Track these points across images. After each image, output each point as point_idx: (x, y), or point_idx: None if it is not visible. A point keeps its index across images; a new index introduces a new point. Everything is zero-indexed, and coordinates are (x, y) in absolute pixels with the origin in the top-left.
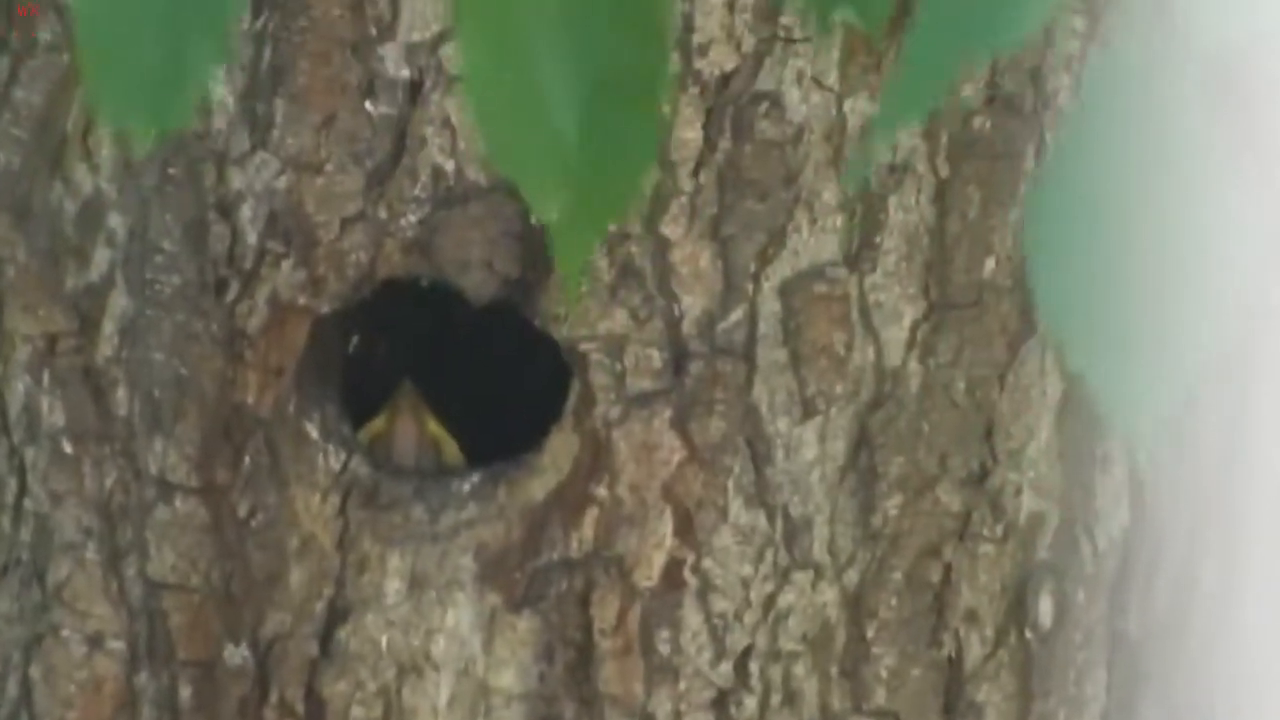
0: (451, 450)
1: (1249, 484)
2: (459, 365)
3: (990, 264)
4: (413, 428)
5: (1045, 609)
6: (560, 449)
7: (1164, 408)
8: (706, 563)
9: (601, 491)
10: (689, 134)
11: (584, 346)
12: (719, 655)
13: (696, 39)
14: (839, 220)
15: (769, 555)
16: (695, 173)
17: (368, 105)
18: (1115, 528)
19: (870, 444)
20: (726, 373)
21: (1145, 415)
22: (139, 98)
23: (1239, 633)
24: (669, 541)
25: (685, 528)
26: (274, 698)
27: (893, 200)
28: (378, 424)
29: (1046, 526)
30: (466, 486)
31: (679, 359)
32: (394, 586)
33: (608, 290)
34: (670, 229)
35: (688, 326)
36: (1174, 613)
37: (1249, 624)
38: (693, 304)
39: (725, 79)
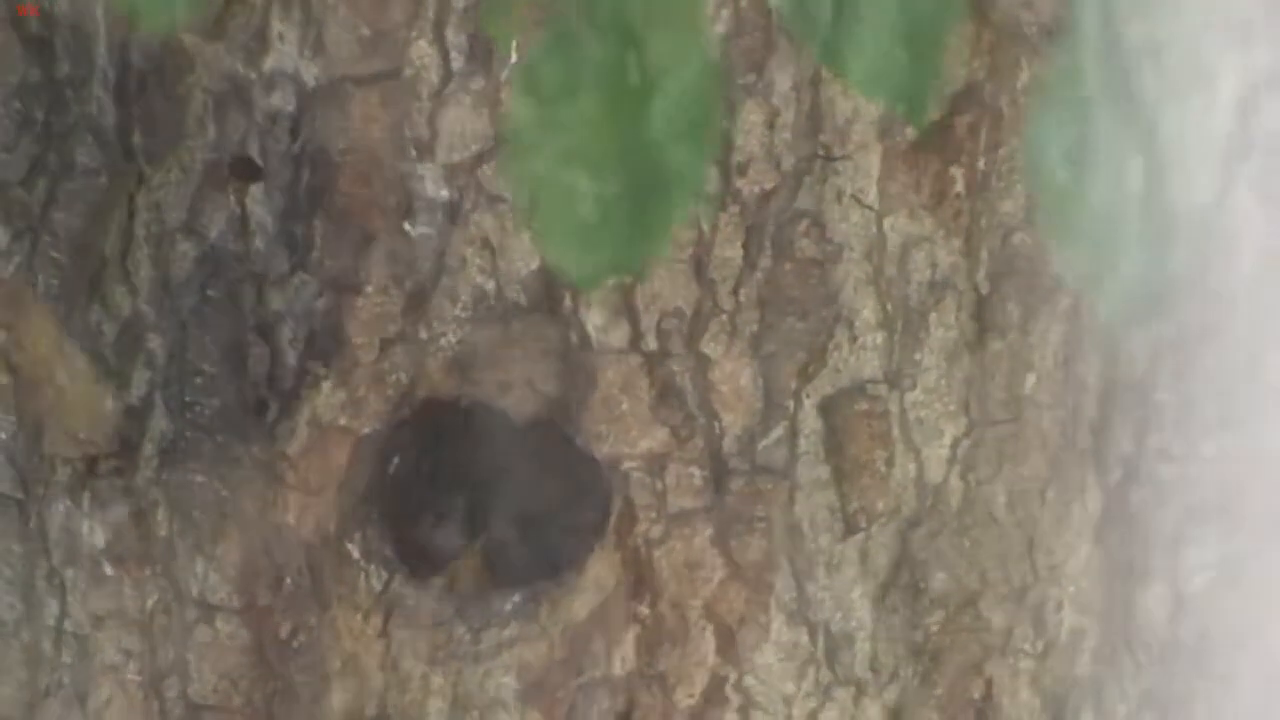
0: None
1: None
2: (504, 485)
3: (1030, 380)
4: None
5: None
6: (602, 567)
7: (1147, 300)
8: (749, 680)
9: (643, 609)
10: (729, 252)
11: (625, 465)
12: None
13: (736, 157)
14: (879, 338)
15: (811, 672)
16: (735, 291)
17: (406, 226)
18: (1156, 642)
19: (912, 560)
20: (768, 490)
21: (1126, 306)
22: None
23: None
24: (711, 659)
25: (727, 645)
26: None
27: (933, 317)
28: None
29: (1087, 641)
30: (509, 606)
31: (720, 477)
32: (436, 706)
33: (649, 409)
34: (711, 347)
35: (729, 444)
36: None
37: None
38: (734, 422)
39: (765, 197)
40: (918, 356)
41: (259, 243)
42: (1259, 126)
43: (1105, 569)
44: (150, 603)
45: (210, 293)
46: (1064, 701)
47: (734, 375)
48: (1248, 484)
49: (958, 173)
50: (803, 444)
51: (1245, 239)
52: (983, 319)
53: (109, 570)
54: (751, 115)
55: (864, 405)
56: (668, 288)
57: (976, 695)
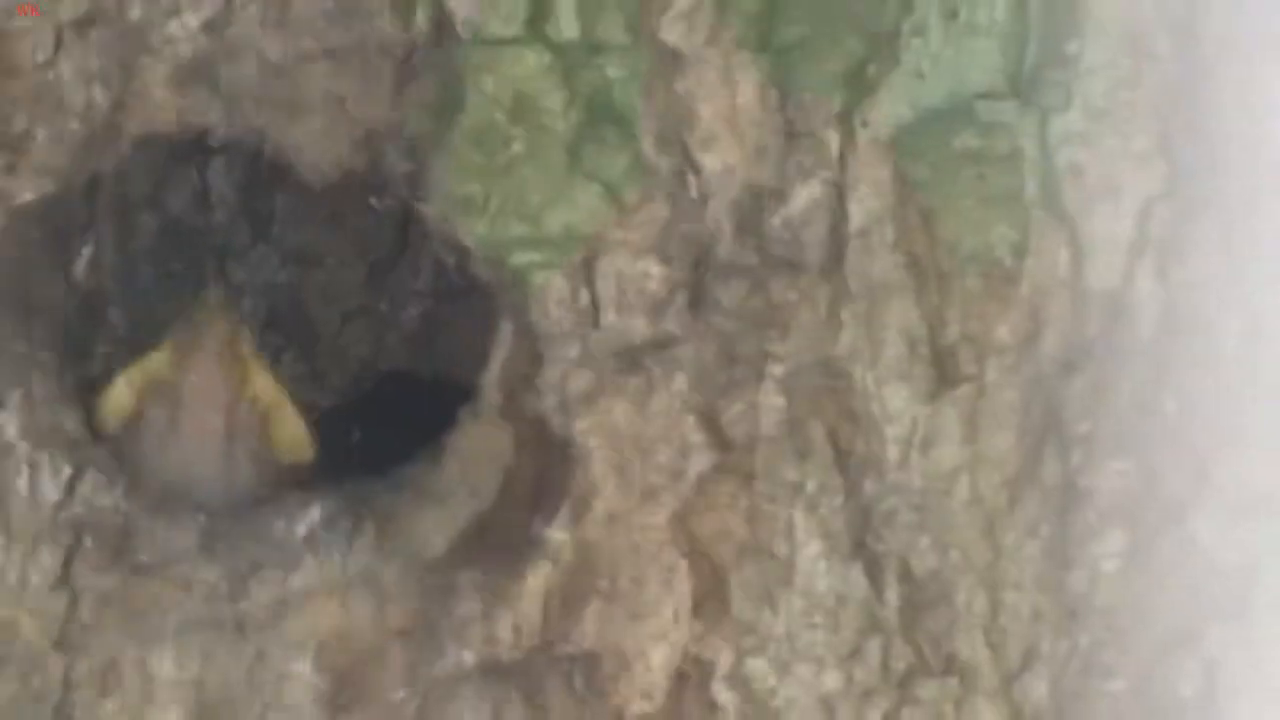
0: (288, 428)
1: None
2: (302, 303)
3: None
4: (217, 376)
5: None
6: (477, 452)
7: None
8: (755, 665)
9: (555, 534)
10: None
11: (520, 257)
12: None
13: None
14: (999, 10)
15: (874, 647)
16: None
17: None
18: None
19: (1063, 436)
20: (790, 302)
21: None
22: None
23: None
24: (684, 626)
25: (714, 598)
26: None
27: None
28: (155, 364)
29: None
30: (301, 529)
31: (701, 278)
32: (167, 717)
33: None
34: (678, 31)
35: (715, 214)
36: None
37: None
38: (725, 173)
39: None
40: (1071, 48)
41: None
42: (1154, 228)
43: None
44: None
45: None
46: None
47: (725, 82)
48: (1144, 494)
49: None
50: (856, 215)
51: (1145, 311)
52: None
53: None
54: None
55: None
56: None
57: (1191, 690)
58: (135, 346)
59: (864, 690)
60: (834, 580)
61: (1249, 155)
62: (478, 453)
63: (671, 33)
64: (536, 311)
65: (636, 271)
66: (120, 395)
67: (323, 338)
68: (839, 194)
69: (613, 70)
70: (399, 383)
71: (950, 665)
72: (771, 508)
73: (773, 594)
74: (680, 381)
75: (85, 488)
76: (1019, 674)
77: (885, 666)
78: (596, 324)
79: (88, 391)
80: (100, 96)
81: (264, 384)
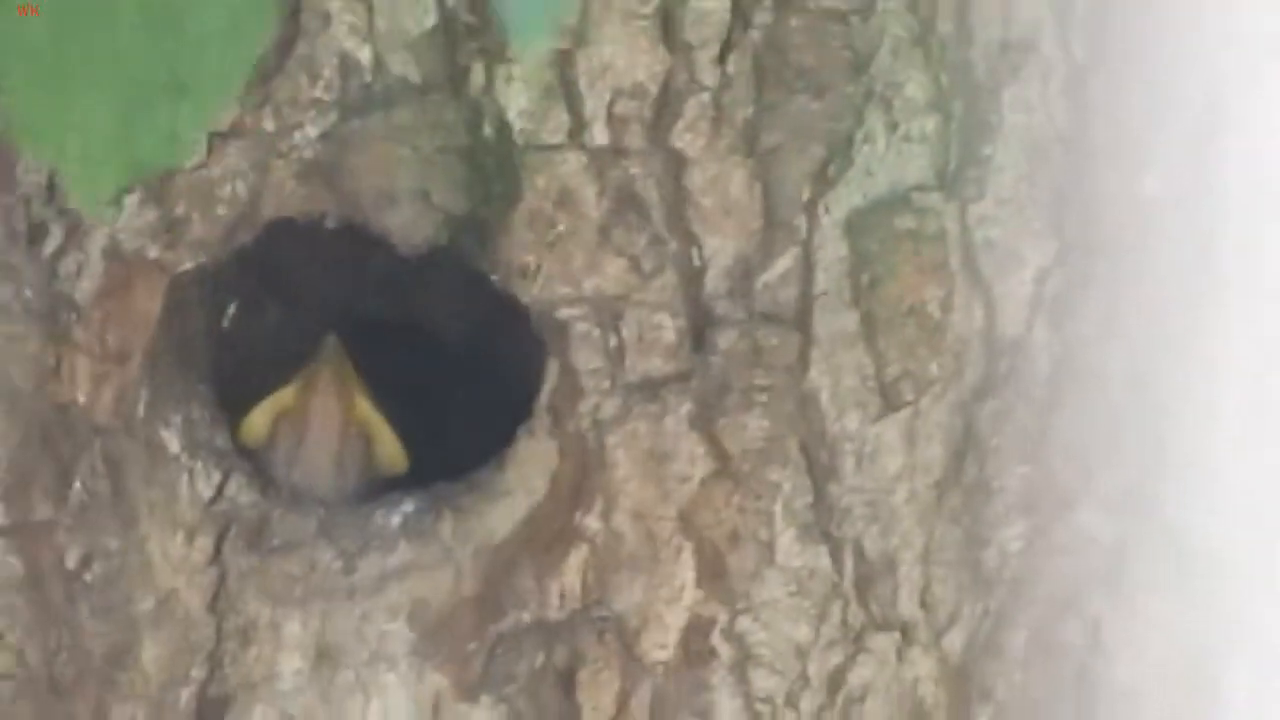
0: (389, 448)
1: None
2: (394, 347)
3: (1151, 187)
4: (335, 408)
5: (1242, 681)
6: (531, 462)
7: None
8: (745, 623)
9: (592, 523)
10: (710, 3)
11: (563, 312)
12: None
13: None
14: (930, 124)
15: (835, 611)
16: (721, 59)
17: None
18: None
19: (980, 448)
20: (771, 347)
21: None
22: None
23: None
24: (690, 594)
25: (714, 573)
26: None
27: (1007, 95)
28: (286, 397)
29: (1240, 562)
30: (396, 519)
31: (701, 329)
32: (293, 665)
33: (597, 230)
34: (686, 140)
35: (713, 281)
36: None
37: None
38: (720, 248)
39: None
40: (987, 152)
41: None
42: (1047, 290)
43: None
44: None
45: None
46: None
47: (720, 180)
48: (1040, 492)
49: None
50: (821, 280)
51: (1041, 353)
52: (1080, 97)
53: None
54: None
55: (909, 222)
56: (623, 54)
57: (1079, 642)
58: (269, 382)
59: (828, 642)
60: (805, 558)
61: (1122, 234)
62: (532, 461)
63: (680, 141)
64: (576, 354)
65: (653, 323)
66: (258, 421)
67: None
68: (808, 264)
69: (634, 169)
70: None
71: (893, 623)
72: (757, 504)
73: (758, 569)
74: (687, 407)
75: (231, 489)
76: (946, 629)
77: (844, 624)
78: (622, 364)
79: (233, 415)
80: (241, 190)
81: (368, 412)
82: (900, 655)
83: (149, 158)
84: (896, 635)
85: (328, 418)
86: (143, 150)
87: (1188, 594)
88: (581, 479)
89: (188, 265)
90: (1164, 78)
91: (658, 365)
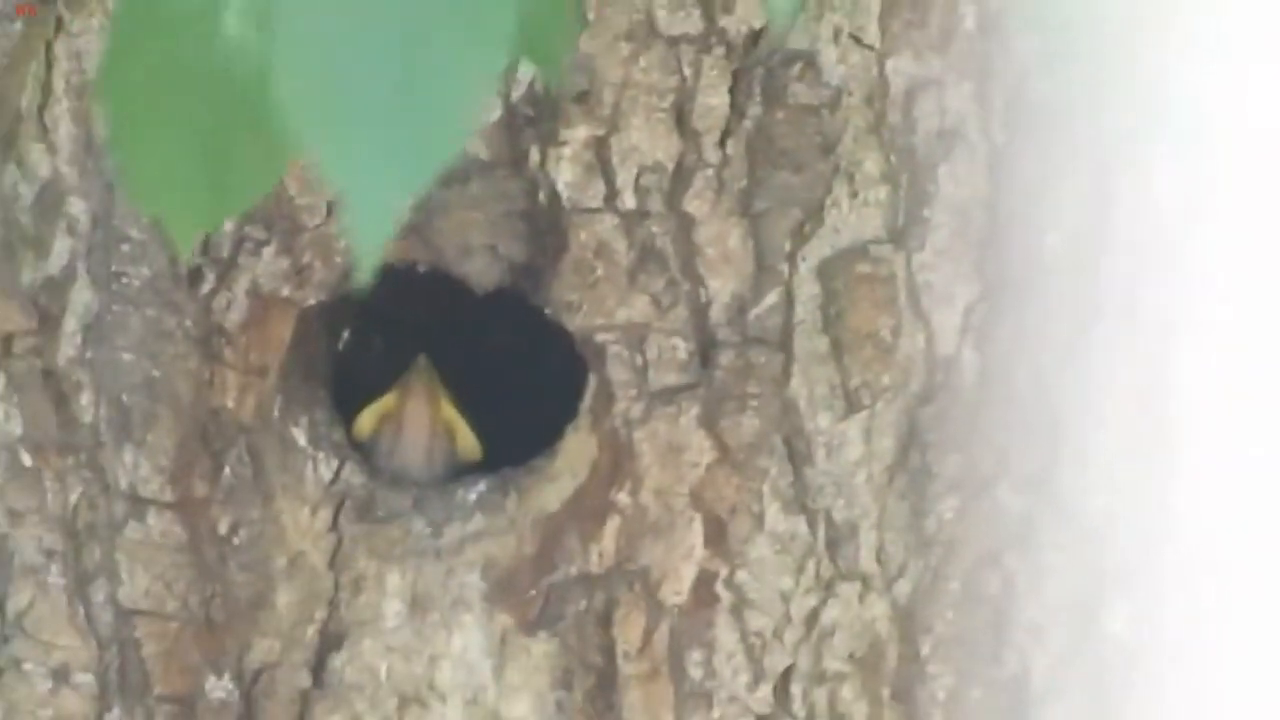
0: (467, 441)
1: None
2: (470, 363)
3: (1050, 240)
4: (425, 410)
5: (1120, 620)
6: (576, 452)
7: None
8: (741, 575)
9: (623, 498)
10: (714, 100)
11: (601, 337)
12: (757, 678)
13: None
14: (883, 193)
15: (810, 566)
16: (722, 142)
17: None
18: (1194, 526)
19: (921, 441)
20: (760, 364)
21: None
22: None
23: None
24: (699, 552)
25: (717, 537)
26: None
27: (942, 170)
28: (387, 402)
29: (1119, 528)
30: (473, 496)
31: (707, 349)
32: (394, 608)
33: (626, 275)
34: (695, 205)
35: (716, 313)
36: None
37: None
38: (721, 288)
39: (754, 37)
40: (925, 213)
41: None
42: (974, 320)
43: (1138, 447)
44: (74, 497)
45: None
46: (1094, 595)
47: (721, 236)
48: (967, 474)
49: (968, 8)
50: (799, 311)
51: (969, 367)
52: (998, 171)
53: (28, 461)
54: None
55: (867, 268)
56: (646, 139)
57: (995, 590)
58: (375, 391)
59: (805, 589)
60: (787, 526)
61: (1029, 276)
62: (577, 451)
63: (690, 206)
64: (611, 369)
65: (669, 346)
66: (366, 421)
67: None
68: (789, 300)
69: (655, 228)
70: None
71: (855, 575)
72: (750, 484)
73: (751, 534)
74: (695, 409)
75: (346, 473)
76: (895, 579)
77: (818, 576)
78: (646, 377)
79: (347, 417)
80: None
81: (451, 414)
82: (861, 600)
83: (227, 204)
84: (858, 584)
85: (419, 418)
86: (220, 200)
87: (1078, 552)
88: (615, 465)
89: (312, 302)
90: (1061, 155)
91: (673, 378)
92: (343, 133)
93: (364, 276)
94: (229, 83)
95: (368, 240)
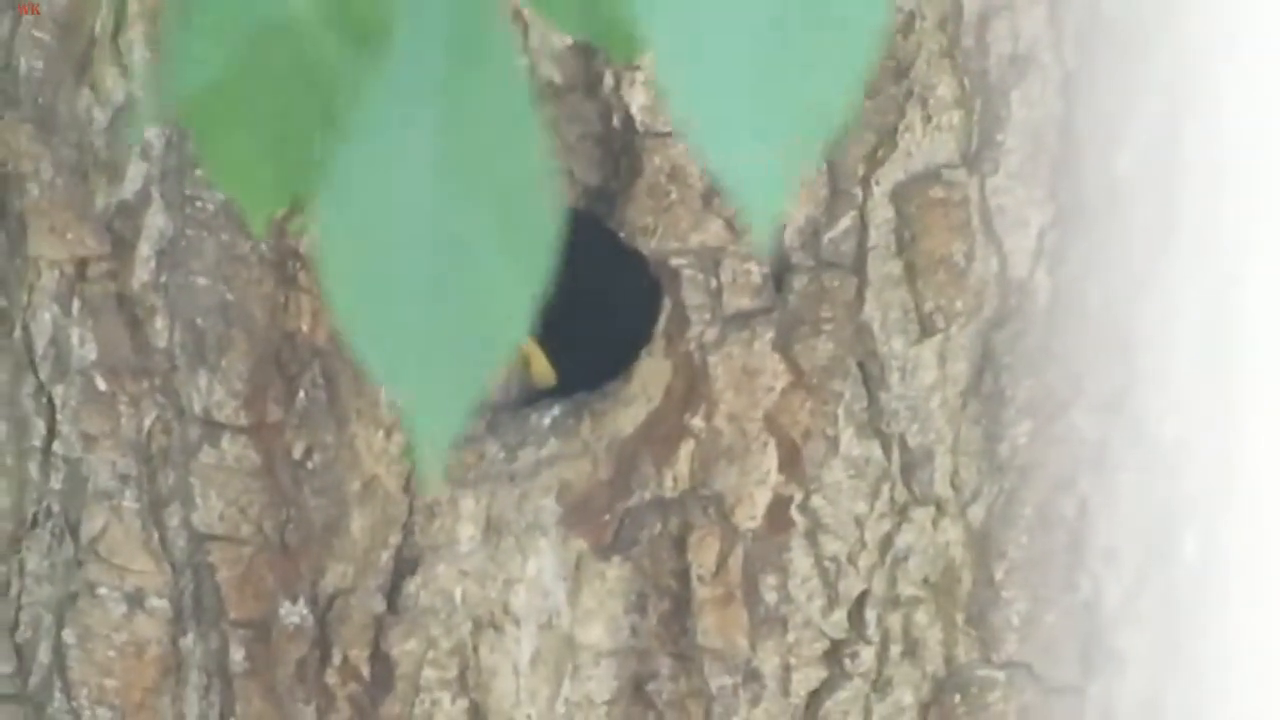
0: (541, 366)
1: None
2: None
3: (1123, 163)
4: None
5: (1193, 545)
6: (651, 376)
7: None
8: (816, 500)
9: (698, 422)
10: None
11: (675, 261)
12: (831, 603)
13: None
14: (956, 117)
15: (885, 490)
16: None
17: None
18: (1268, 450)
19: (995, 364)
20: (834, 288)
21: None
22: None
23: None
24: (773, 477)
25: (791, 461)
26: (336, 659)
27: (1015, 94)
28: None
29: (1193, 452)
30: (547, 420)
31: (780, 273)
32: (468, 533)
33: (700, 198)
34: None
35: (790, 236)
36: None
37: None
38: (795, 212)
39: None
40: (999, 137)
41: None
42: (1046, 243)
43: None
44: (148, 421)
45: None
46: (1168, 520)
47: None
48: (1043, 398)
49: None
50: (873, 236)
51: (1041, 290)
52: (1070, 94)
53: (102, 385)
54: None
55: (940, 192)
56: None
57: (1069, 514)
58: None
59: (879, 514)
60: (861, 450)
61: (1102, 200)
62: (651, 376)
63: None
64: (685, 293)
65: (743, 269)
66: None
67: None
68: (863, 224)
69: None
70: None
71: (930, 499)
72: (824, 408)
73: (825, 458)
74: (769, 333)
75: None
76: (970, 503)
77: (892, 500)
78: (720, 301)
79: None
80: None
81: (528, 344)
82: (935, 524)
83: (300, 186)
84: (932, 509)
85: None
86: (293, 182)
87: (1153, 477)
88: (689, 389)
89: None
90: (1134, 77)
91: (747, 302)
92: (393, 343)
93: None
94: (300, 64)
95: (436, 447)
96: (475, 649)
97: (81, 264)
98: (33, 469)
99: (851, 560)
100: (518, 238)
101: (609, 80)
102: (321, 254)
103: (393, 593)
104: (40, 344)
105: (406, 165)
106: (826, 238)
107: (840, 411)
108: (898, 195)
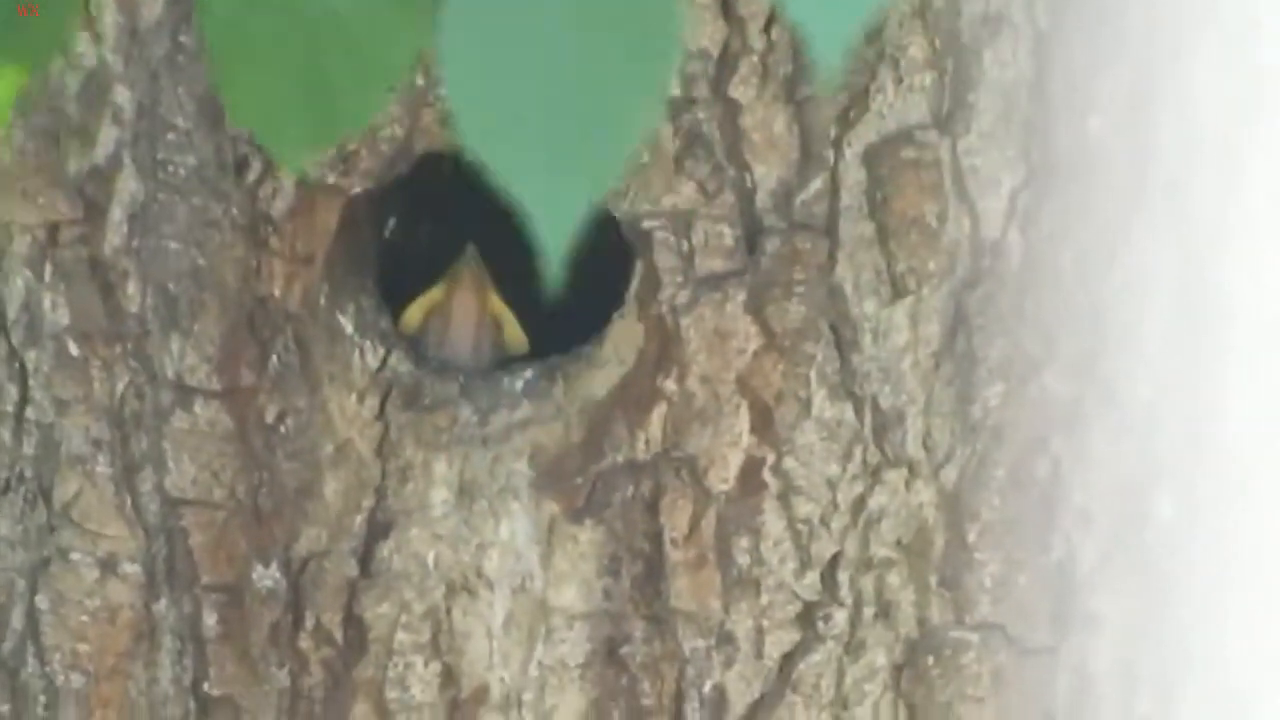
0: (514, 331)
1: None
2: (515, 250)
3: (1095, 123)
4: (473, 302)
5: (1167, 506)
6: (623, 338)
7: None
8: (788, 462)
9: (670, 385)
10: None
11: (647, 224)
12: (804, 565)
13: None
14: (928, 78)
15: (857, 452)
16: (766, 29)
17: None
18: (1239, 412)
19: (968, 326)
20: (806, 250)
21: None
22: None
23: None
24: (746, 439)
25: (764, 423)
26: (309, 623)
27: (987, 54)
28: (435, 294)
29: (1165, 414)
30: (519, 383)
31: (753, 235)
32: (441, 496)
33: (673, 161)
34: (740, 91)
35: (762, 199)
36: None
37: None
38: (767, 174)
39: None
40: (971, 98)
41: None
42: (1019, 204)
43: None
44: (120, 386)
45: (182, 39)
46: (1142, 480)
47: (766, 122)
48: (1014, 358)
49: None
50: (845, 197)
51: (1013, 251)
52: (1042, 56)
53: (75, 350)
54: None
55: (912, 153)
56: (692, 26)
57: (1042, 475)
58: (420, 278)
59: (851, 476)
60: (834, 412)
61: (1073, 161)
62: (624, 338)
63: (735, 92)
64: (657, 256)
65: (715, 232)
66: (414, 313)
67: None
68: (834, 185)
69: (701, 114)
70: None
71: (902, 461)
72: (797, 370)
73: (797, 420)
74: (742, 296)
75: (393, 360)
76: (942, 465)
77: (864, 462)
78: (692, 263)
79: (395, 307)
80: (399, 131)
81: (498, 306)
82: (908, 486)
83: (330, 125)
84: (905, 471)
85: (468, 310)
86: (322, 119)
87: (1125, 437)
88: (662, 352)
89: (358, 189)
90: (1106, 39)
91: (720, 264)
92: (517, 145)
93: (554, 276)
94: (329, 11)
95: (553, 248)
96: (448, 612)
97: (53, 229)
98: (5, 434)
99: (824, 522)
100: (641, 37)
101: None
102: (443, 62)
103: (366, 556)
104: (12, 309)
105: None
106: (798, 200)
107: (812, 373)
108: (869, 157)
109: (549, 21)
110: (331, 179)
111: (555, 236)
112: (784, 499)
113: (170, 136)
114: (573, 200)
